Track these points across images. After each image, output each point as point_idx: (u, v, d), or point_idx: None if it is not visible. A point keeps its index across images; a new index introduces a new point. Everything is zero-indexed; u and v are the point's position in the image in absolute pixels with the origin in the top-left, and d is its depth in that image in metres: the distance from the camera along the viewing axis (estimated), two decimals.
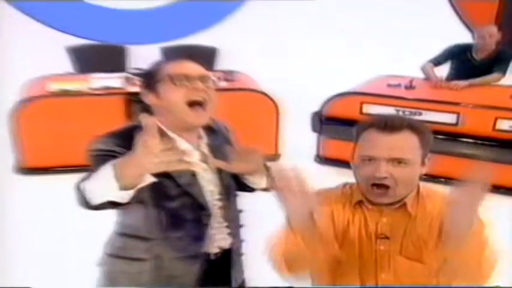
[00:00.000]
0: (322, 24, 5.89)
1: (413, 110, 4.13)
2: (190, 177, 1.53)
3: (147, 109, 1.55)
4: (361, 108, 4.29)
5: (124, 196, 1.28)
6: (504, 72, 4.71)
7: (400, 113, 4.14)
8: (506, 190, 3.93)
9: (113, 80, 4.42)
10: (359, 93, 4.41)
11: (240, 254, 1.75)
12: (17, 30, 5.30)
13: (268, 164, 1.69)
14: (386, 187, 1.40)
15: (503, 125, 3.93)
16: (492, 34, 4.68)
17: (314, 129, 4.55)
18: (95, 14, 5.70)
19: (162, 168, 1.20)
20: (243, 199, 1.75)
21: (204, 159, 1.58)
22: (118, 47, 5.72)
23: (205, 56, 5.60)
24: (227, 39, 5.79)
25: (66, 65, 5.36)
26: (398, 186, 1.40)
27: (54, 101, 4.20)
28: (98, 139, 1.47)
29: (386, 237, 1.47)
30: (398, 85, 4.57)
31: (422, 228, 1.45)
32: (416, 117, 3.98)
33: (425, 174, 1.47)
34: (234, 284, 1.72)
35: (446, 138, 4.03)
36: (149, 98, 1.53)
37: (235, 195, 1.71)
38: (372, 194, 1.43)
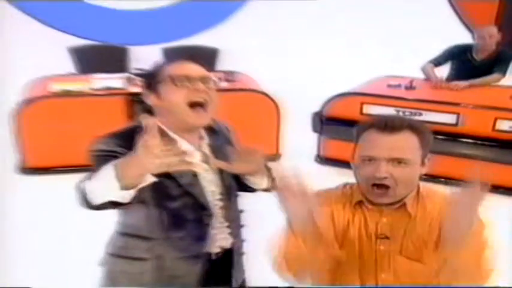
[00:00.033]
0: (322, 25, 5.90)
1: (413, 111, 4.13)
2: (192, 177, 1.53)
3: (148, 110, 1.55)
4: (361, 109, 4.29)
5: (125, 196, 1.28)
6: (504, 72, 4.72)
7: (400, 113, 4.14)
8: (506, 190, 3.93)
9: (114, 81, 4.42)
10: (359, 94, 4.41)
11: (241, 254, 1.75)
12: (19, 30, 5.31)
13: (269, 164, 1.69)
14: (387, 187, 1.40)
15: (503, 125, 3.93)
16: (492, 35, 4.68)
17: (314, 130, 4.55)
18: (96, 14, 5.71)
19: (163, 169, 1.20)
20: (244, 199, 1.75)
21: (205, 160, 1.59)
22: (119, 48, 5.73)
23: (206, 57, 5.59)
24: (228, 39, 5.79)
25: (68, 65, 5.36)
26: (399, 186, 1.40)
27: (55, 101, 4.22)
28: (99, 139, 1.47)
29: (386, 237, 1.47)
30: (399, 85, 4.57)
31: (422, 228, 1.46)
32: (417, 118, 3.98)
33: (425, 174, 1.47)
34: (234, 283, 1.72)
35: (446, 139, 4.03)
36: (150, 99, 1.53)
37: (236, 196, 1.71)
38: (372, 194, 1.44)
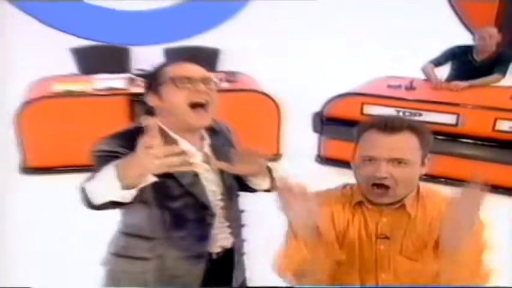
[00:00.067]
0: (322, 25, 5.89)
1: (413, 111, 4.14)
2: (193, 177, 1.54)
3: (150, 110, 1.57)
4: (361, 109, 4.30)
5: (126, 196, 1.29)
6: (504, 73, 4.72)
7: (401, 113, 4.16)
8: (506, 190, 3.95)
9: (116, 81, 4.43)
10: (360, 94, 4.42)
11: (241, 254, 1.76)
12: (21, 31, 5.32)
13: (270, 164, 1.70)
14: (387, 187, 1.41)
15: (503, 125, 3.94)
16: (492, 35, 4.69)
17: (315, 130, 4.56)
18: (98, 15, 5.72)
19: (163, 169, 1.20)
20: (245, 199, 1.76)
21: (207, 160, 1.59)
22: (121, 48, 5.74)
23: (207, 57, 5.61)
24: (229, 40, 5.80)
25: (70, 66, 5.38)
26: (399, 186, 1.41)
27: (58, 101, 4.23)
28: (101, 140, 1.48)
29: (386, 237, 1.48)
30: (399, 86, 4.57)
31: (423, 229, 1.46)
32: (417, 118, 4.00)
33: (425, 174, 1.48)
34: (235, 283, 1.73)
35: (446, 139, 4.04)
36: (152, 100, 1.54)
37: (237, 196, 1.72)
38: (372, 194, 1.44)
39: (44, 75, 4.71)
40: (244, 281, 1.82)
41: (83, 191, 1.35)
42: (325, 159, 4.59)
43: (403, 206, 1.47)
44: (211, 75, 1.58)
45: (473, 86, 4.56)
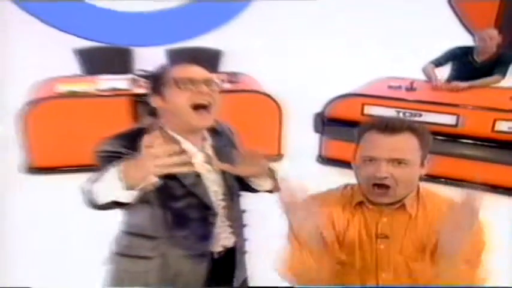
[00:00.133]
0: (323, 26, 5.89)
1: (413, 112, 4.15)
2: (195, 177, 1.55)
3: (152, 111, 1.58)
4: (362, 110, 4.31)
5: (129, 196, 1.29)
6: (504, 74, 4.74)
7: (401, 114, 4.18)
8: (505, 190, 3.98)
9: (119, 82, 4.44)
10: (360, 95, 4.43)
11: (243, 253, 1.77)
12: (25, 32, 5.33)
13: (272, 165, 1.72)
14: (387, 187, 1.42)
15: (502, 126, 3.95)
16: (492, 37, 4.70)
17: (316, 130, 4.57)
18: (101, 16, 5.73)
19: (166, 170, 1.20)
20: (247, 199, 1.76)
21: (208, 161, 1.60)
22: (124, 49, 5.75)
23: (210, 58, 5.64)
24: (231, 41, 5.80)
25: (72, 66, 5.38)
26: (399, 186, 1.42)
27: (61, 102, 4.24)
28: (104, 141, 1.49)
29: (386, 237, 1.49)
30: (399, 87, 4.59)
31: (423, 229, 1.47)
32: (417, 119, 4.03)
33: (425, 175, 1.49)
34: (236, 283, 1.74)
35: (446, 139, 4.05)
36: (155, 101, 1.55)
37: (239, 196, 1.73)
38: (372, 193, 1.46)
39: (46, 75, 4.71)
40: (245, 280, 1.83)
41: (86, 191, 1.36)
42: (326, 160, 4.60)
43: (403, 206, 1.48)
44: (214, 76, 1.58)
45: (473, 86, 4.57)
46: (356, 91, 4.52)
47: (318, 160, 4.67)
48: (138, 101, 4.08)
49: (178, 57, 5.52)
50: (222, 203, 1.64)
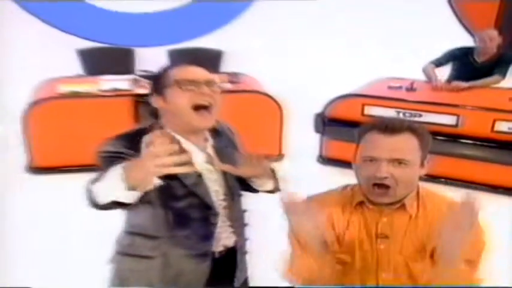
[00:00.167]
0: (324, 26, 5.90)
1: (413, 112, 4.16)
2: (196, 177, 1.56)
3: (154, 111, 1.59)
4: (362, 110, 4.32)
5: (130, 197, 1.29)
6: (504, 74, 4.75)
7: (401, 114, 4.19)
8: (505, 190, 3.99)
9: (121, 82, 4.45)
10: (361, 95, 4.44)
11: (244, 253, 1.78)
12: (25, 32, 5.34)
13: (273, 165, 1.73)
14: (387, 187, 1.43)
15: (502, 126, 3.96)
16: (493, 38, 4.71)
17: (317, 130, 4.58)
18: (103, 17, 5.74)
19: (166, 170, 1.20)
20: (248, 199, 1.77)
21: (210, 161, 1.61)
22: (126, 50, 5.76)
23: (211, 59, 5.65)
24: (232, 41, 5.81)
25: (74, 67, 5.39)
26: (399, 186, 1.43)
27: (64, 102, 4.25)
28: (106, 141, 1.50)
29: (387, 237, 1.49)
30: (399, 87, 4.60)
31: (423, 229, 1.48)
32: (417, 119, 4.04)
33: (425, 175, 1.50)
34: (237, 282, 1.75)
35: (446, 140, 4.06)
36: (156, 101, 1.56)
37: (240, 195, 1.74)
38: (372, 193, 1.46)
39: (47, 76, 4.72)
40: (246, 280, 1.83)
41: (89, 191, 1.36)
42: (326, 160, 4.61)
43: (403, 206, 1.49)
44: (215, 77, 1.59)
45: (474, 87, 4.58)
46: (356, 91, 4.52)
47: (318, 160, 4.67)
48: (140, 102, 4.09)
49: (180, 57, 5.54)
50: (223, 203, 1.64)
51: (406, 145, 1.44)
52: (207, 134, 1.64)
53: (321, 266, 1.46)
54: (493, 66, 4.75)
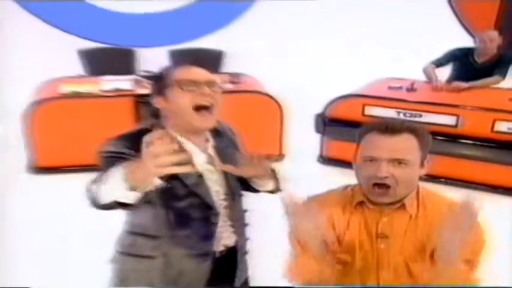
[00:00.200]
0: (325, 27, 5.90)
1: (414, 112, 4.17)
2: (197, 178, 1.57)
3: (155, 111, 1.60)
4: (363, 110, 4.33)
5: (132, 197, 1.30)
6: (504, 75, 4.76)
7: (401, 115, 4.19)
8: (505, 190, 4.00)
9: (122, 82, 4.46)
10: (361, 96, 4.45)
11: (244, 252, 1.79)
12: (28, 33, 5.33)
13: (273, 165, 1.74)
14: (387, 187, 1.44)
15: (502, 126, 3.96)
16: (493, 39, 4.72)
17: (317, 131, 4.59)
18: (104, 17, 5.74)
19: (166, 170, 1.20)
20: (249, 199, 1.78)
21: (211, 161, 1.62)
22: (127, 50, 5.76)
23: (212, 59, 5.65)
24: (233, 42, 5.81)
25: (75, 67, 5.38)
26: (399, 185, 1.44)
27: (65, 102, 4.26)
28: (108, 141, 1.51)
29: (387, 237, 1.50)
30: (400, 87, 4.61)
31: (423, 229, 1.49)
32: (417, 119, 4.06)
33: (425, 175, 1.51)
34: (237, 282, 1.75)
35: (446, 140, 4.07)
36: (158, 102, 1.57)
37: (240, 195, 1.74)
38: (373, 193, 1.47)
39: (48, 76, 4.73)
40: (247, 279, 1.84)
41: (90, 191, 1.37)
42: (327, 160, 4.61)
43: (403, 205, 1.50)
44: (216, 78, 1.60)
45: (474, 87, 4.59)
46: (357, 92, 4.53)
47: (318, 160, 4.68)
48: (141, 102, 4.09)
49: (181, 58, 5.54)
50: (224, 203, 1.65)
51: (406, 145, 1.45)
52: (208, 135, 1.65)
53: (322, 266, 1.47)
54: (493, 67, 4.76)
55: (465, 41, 5.46)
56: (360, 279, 1.53)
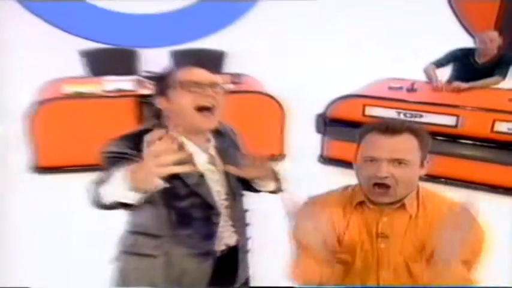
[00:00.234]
0: (326, 28, 5.91)
1: (414, 112, 4.18)
2: (198, 178, 1.57)
3: (157, 112, 1.61)
4: (363, 111, 4.34)
5: (134, 198, 1.30)
6: (504, 75, 4.77)
7: (402, 115, 4.21)
8: (505, 190, 4.02)
9: (125, 83, 4.47)
10: (362, 96, 4.46)
11: (246, 251, 1.79)
12: (30, 33, 5.35)
13: (275, 165, 1.75)
14: (387, 186, 1.44)
15: (501, 127, 3.97)
16: (493, 39, 4.73)
17: (318, 131, 4.60)
18: (106, 18, 5.76)
19: (167, 170, 1.19)
20: (250, 199, 1.79)
21: (212, 161, 1.63)
22: (129, 51, 5.76)
23: (214, 59, 5.67)
24: (235, 42, 5.82)
25: (77, 67, 5.38)
26: (399, 185, 1.44)
27: (68, 102, 4.26)
28: (110, 142, 1.51)
29: (387, 237, 1.50)
30: (400, 88, 4.63)
31: (423, 228, 1.49)
32: (417, 120, 4.08)
33: (425, 175, 1.51)
34: (238, 281, 1.76)
35: (446, 140, 4.08)
36: (160, 102, 1.58)
37: (241, 195, 1.75)
38: (373, 193, 1.47)
39: (50, 76, 4.74)
40: (248, 278, 1.84)
41: (92, 191, 1.37)
42: (327, 160, 4.63)
43: (403, 205, 1.50)
44: (218, 79, 1.61)
45: (474, 87, 4.61)
46: (357, 92, 4.54)
47: (319, 160, 4.69)
48: (143, 102, 4.11)
49: (183, 58, 5.54)
50: (225, 203, 1.66)
51: (406, 145, 1.46)
52: (209, 135, 1.66)
53: (323, 267, 1.48)
54: (494, 67, 4.77)
55: (465, 41, 5.46)
56: (360, 279, 1.53)
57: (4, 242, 3.07)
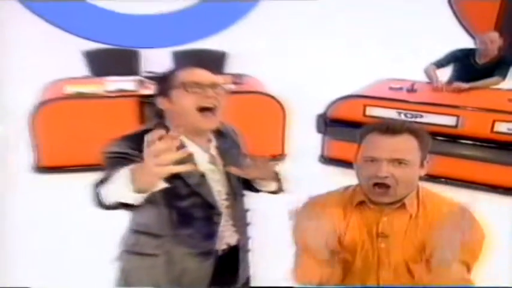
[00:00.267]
0: (327, 28, 5.92)
1: (414, 113, 4.19)
2: (199, 177, 1.58)
3: (159, 112, 1.61)
4: (364, 111, 4.35)
5: (136, 198, 1.29)
6: (504, 76, 4.77)
7: (402, 115, 4.21)
8: (505, 190, 4.02)
9: (126, 83, 4.47)
10: (362, 96, 4.46)
11: (246, 251, 1.79)
12: (31, 33, 5.36)
13: (276, 166, 1.75)
14: (387, 186, 1.45)
15: (501, 127, 3.98)
16: (493, 40, 4.73)
17: (319, 131, 4.60)
18: (108, 19, 5.77)
19: (167, 169, 1.19)
20: (250, 199, 1.79)
21: (213, 161, 1.63)
22: (131, 51, 5.78)
23: (215, 60, 5.68)
24: (236, 43, 5.83)
25: (78, 68, 5.39)
26: (399, 185, 1.45)
27: (70, 103, 4.28)
28: (112, 142, 1.51)
29: (387, 237, 1.50)
30: (400, 88, 4.63)
31: (422, 228, 1.49)
32: (418, 120, 4.09)
33: (425, 175, 1.52)
34: (239, 280, 1.77)
35: (446, 140, 4.08)
36: (162, 103, 1.58)
37: (242, 195, 1.75)
38: (373, 193, 1.48)
39: (51, 77, 4.74)
40: (248, 278, 1.85)
41: (95, 191, 1.37)
42: (328, 160, 4.63)
43: (404, 205, 1.51)
44: (220, 80, 1.61)
45: (474, 87, 4.61)
46: (358, 92, 4.55)
47: (320, 160, 4.70)
48: (145, 103, 4.11)
49: (184, 59, 5.55)
50: (226, 203, 1.66)
51: (406, 146, 1.47)
52: (211, 135, 1.66)
53: (323, 267, 1.50)
54: (494, 68, 4.77)
55: (465, 41, 5.47)
56: (360, 279, 1.54)
57: (4, 242, 3.06)
